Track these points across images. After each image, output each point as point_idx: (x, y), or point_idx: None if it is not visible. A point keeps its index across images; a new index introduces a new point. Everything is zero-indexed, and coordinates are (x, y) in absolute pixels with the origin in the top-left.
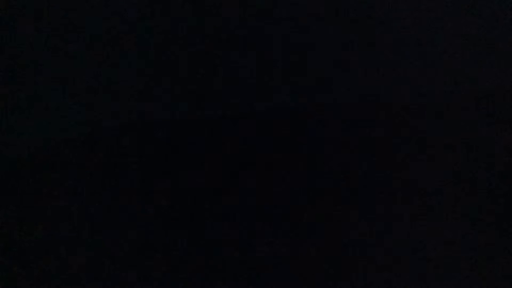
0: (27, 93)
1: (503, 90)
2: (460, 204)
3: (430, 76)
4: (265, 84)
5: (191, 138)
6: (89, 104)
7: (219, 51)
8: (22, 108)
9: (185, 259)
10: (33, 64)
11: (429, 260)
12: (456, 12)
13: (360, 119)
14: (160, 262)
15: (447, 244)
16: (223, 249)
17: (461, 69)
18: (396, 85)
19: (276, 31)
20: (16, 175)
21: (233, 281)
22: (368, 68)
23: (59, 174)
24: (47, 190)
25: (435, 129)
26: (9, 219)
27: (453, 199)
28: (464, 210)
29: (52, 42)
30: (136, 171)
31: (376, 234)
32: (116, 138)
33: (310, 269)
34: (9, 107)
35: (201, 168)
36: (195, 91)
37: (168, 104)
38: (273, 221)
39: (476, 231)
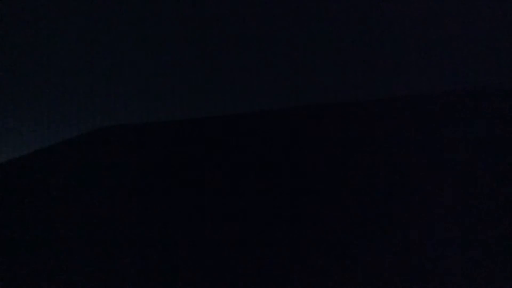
0: (27, 93)
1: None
2: (461, 202)
3: (430, 76)
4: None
5: (191, 138)
6: (89, 104)
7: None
8: (22, 108)
9: (184, 259)
10: (33, 64)
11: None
12: (456, 13)
13: (362, 118)
14: (158, 261)
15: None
16: (223, 249)
17: (461, 68)
18: (395, 84)
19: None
20: (16, 175)
21: (233, 282)
22: (367, 68)
23: (59, 174)
24: (47, 190)
25: (434, 127)
26: (9, 219)
27: (453, 198)
28: (465, 209)
29: (52, 42)
30: (136, 170)
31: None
32: (116, 138)
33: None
34: (9, 107)
35: (201, 168)
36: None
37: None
38: (274, 221)
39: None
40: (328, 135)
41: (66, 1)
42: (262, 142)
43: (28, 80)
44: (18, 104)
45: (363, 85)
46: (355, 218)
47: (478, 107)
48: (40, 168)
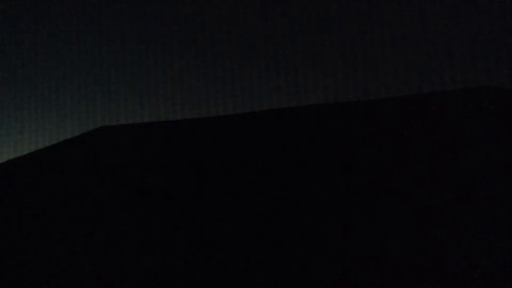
0: (27, 93)
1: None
2: (459, 202)
3: (429, 75)
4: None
5: (191, 138)
6: (89, 104)
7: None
8: (22, 108)
9: (184, 260)
10: (33, 64)
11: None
12: (456, 12)
13: (360, 118)
14: (159, 261)
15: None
16: (223, 250)
17: (460, 68)
18: (394, 84)
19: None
20: (16, 175)
21: (233, 282)
22: (367, 68)
23: (59, 174)
24: (47, 190)
25: (433, 127)
26: (9, 219)
27: (451, 198)
28: (463, 209)
29: (53, 42)
30: (135, 170)
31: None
32: (116, 138)
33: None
34: (9, 107)
35: (201, 168)
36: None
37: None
38: (273, 221)
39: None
40: (328, 135)
41: (66, 1)
42: (262, 142)
43: (28, 80)
44: (18, 104)
45: (363, 85)
46: (354, 219)
47: (478, 107)
48: (40, 168)
